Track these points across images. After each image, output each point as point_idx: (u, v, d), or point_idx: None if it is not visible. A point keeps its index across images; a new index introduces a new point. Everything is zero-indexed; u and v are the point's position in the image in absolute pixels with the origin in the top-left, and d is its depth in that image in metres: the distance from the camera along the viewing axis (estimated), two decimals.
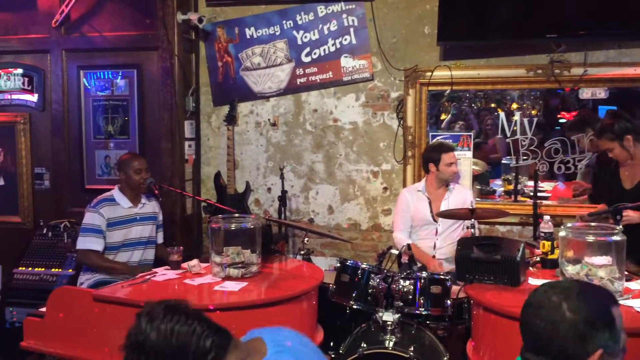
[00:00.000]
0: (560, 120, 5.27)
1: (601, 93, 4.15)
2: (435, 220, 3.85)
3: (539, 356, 1.41)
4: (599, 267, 2.52)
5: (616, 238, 2.52)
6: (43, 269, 4.23)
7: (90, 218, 3.61)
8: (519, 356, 1.52)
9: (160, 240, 3.97)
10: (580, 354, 1.37)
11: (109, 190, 3.82)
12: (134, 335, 1.40)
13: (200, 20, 4.54)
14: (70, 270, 4.17)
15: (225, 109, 4.73)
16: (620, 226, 2.62)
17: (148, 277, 3.04)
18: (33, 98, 4.90)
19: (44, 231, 4.47)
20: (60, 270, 4.21)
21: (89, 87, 4.79)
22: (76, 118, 4.81)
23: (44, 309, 2.89)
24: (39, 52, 4.84)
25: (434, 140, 4.34)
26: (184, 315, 1.41)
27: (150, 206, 3.87)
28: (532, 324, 1.42)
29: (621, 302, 2.45)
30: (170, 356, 1.38)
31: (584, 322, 1.37)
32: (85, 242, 3.58)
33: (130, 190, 3.76)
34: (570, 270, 2.55)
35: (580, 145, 4.27)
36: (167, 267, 3.21)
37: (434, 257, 3.80)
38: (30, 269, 4.25)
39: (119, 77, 4.74)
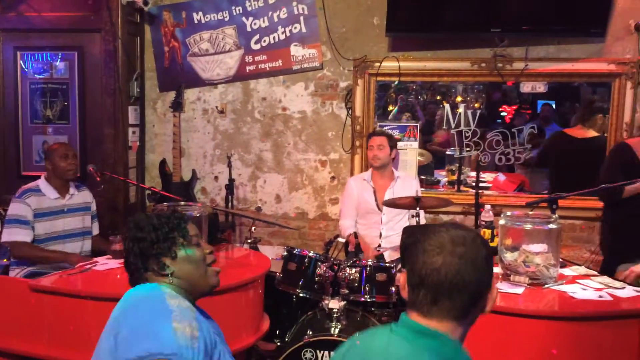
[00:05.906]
0: (502, 114, 5.45)
1: (541, 87, 4.31)
2: (380, 209, 3.90)
3: (450, 300, 1.28)
4: (536, 254, 2.62)
5: (552, 226, 2.63)
6: None
7: (16, 209, 3.38)
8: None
9: (95, 231, 3.73)
10: (488, 287, 1.34)
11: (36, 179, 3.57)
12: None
13: (145, 2, 4.41)
14: (5, 260, 3.99)
15: (172, 95, 4.62)
16: (556, 215, 2.73)
17: (88, 266, 2.95)
18: None
19: None
20: None
21: (26, 69, 4.57)
22: (12, 101, 4.59)
23: None
24: None
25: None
26: None
27: (80, 196, 3.65)
28: (449, 265, 1.28)
29: (555, 287, 2.58)
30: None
31: (490, 254, 1.35)
32: (12, 234, 3.36)
33: (57, 180, 3.52)
34: (509, 257, 2.65)
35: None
36: (108, 256, 3.12)
37: (379, 245, 3.86)
38: None
39: (59, 59, 4.55)
